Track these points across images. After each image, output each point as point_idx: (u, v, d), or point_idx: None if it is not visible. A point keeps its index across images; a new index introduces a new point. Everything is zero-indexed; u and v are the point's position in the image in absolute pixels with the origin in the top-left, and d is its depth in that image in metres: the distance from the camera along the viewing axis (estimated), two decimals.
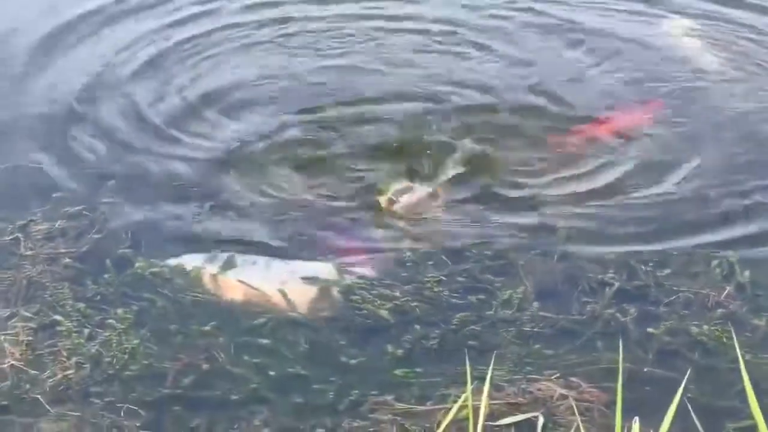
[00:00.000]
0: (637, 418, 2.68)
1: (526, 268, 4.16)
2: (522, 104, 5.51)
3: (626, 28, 6.38)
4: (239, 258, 4.21)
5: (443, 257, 4.23)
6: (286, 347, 3.80)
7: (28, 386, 3.59)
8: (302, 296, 4.03)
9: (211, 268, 4.14)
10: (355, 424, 3.46)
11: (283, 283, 4.07)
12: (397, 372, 3.67)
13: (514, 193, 4.71)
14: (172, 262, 4.20)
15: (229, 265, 4.16)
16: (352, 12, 6.56)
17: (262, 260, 4.23)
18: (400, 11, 6.60)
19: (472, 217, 4.53)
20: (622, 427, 2.59)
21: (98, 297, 4.03)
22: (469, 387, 2.68)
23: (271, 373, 3.68)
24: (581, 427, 3.00)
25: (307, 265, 4.21)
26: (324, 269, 4.17)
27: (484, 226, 4.46)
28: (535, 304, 3.97)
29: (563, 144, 5.20)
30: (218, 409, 3.53)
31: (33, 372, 3.65)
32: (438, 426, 3.35)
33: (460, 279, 4.11)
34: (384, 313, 3.94)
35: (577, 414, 3.22)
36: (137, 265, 4.17)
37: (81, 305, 3.96)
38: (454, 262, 4.21)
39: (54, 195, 4.63)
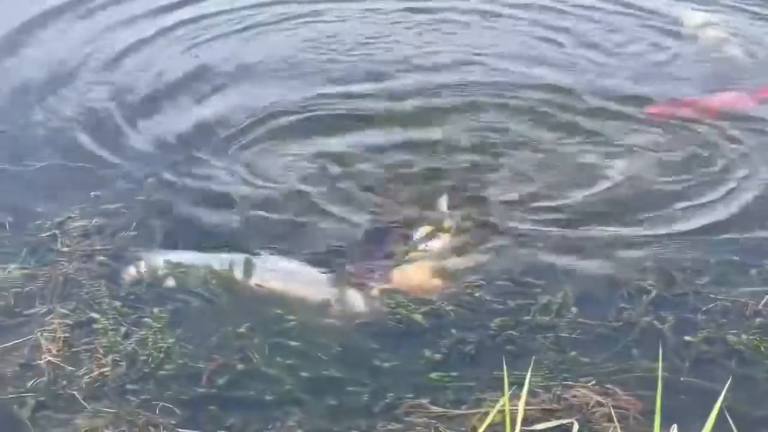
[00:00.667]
0: (675, 426, 2.66)
1: (566, 273, 4.16)
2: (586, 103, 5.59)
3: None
4: (259, 259, 4.20)
5: (481, 264, 4.25)
6: (320, 349, 3.79)
7: (64, 382, 3.61)
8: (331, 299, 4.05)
9: (234, 269, 4.14)
10: (390, 427, 3.46)
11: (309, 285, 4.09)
12: (433, 375, 3.66)
13: (552, 198, 4.71)
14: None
15: (249, 266, 4.15)
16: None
17: (291, 264, 4.23)
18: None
19: (510, 223, 4.52)
20: None
21: (133, 295, 4.05)
22: (507, 392, 2.66)
23: (305, 374, 3.67)
24: None
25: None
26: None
27: (522, 232, 4.45)
28: (574, 310, 3.95)
29: (665, 115, 5.30)
30: (253, 409, 3.53)
31: (70, 368, 3.67)
32: (473, 430, 3.34)
33: (499, 283, 4.11)
34: (418, 317, 3.93)
35: (615, 421, 3.20)
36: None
37: (117, 303, 3.98)
38: (494, 268, 4.22)
39: (92, 193, 4.67)
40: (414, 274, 4.17)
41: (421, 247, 4.33)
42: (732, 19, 6.59)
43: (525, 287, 4.09)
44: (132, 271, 4.15)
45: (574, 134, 5.29)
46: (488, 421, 2.73)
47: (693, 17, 6.53)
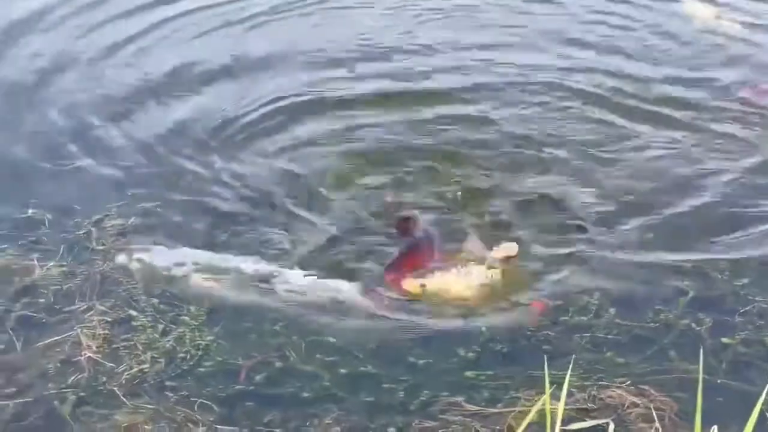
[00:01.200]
0: (715, 428, 2.66)
1: (602, 275, 4.17)
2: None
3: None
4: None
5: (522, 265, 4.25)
6: (356, 347, 3.81)
7: (104, 379, 3.65)
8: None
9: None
10: (426, 424, 3.47)
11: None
12: (468, 373, 3.68)
13: (589, 199, 4.71)
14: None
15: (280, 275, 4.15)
16: None
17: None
18: None
19: (547, 224, 4.53)
20: None
21: (169, 293, 4.08)
22: (548, 391, 2.68)
23: (342, 371, 3.70)
24: None
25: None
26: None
27: (561, 233, 4.46)
28: (612, 311, 3.95)
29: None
30: (290, 406, 3.56)
31: (109, 365, 3.71)
32: (509, 429, 3.36)
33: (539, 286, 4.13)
34: (451, 314, 3.95)
35: (656, 421, 3.20)
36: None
37: (155, 300, 4.02)
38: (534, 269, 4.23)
39: (129, 191, 4.72)
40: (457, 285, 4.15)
41: (492, 264, 4.19)
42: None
43: (563, 287, 4.09)
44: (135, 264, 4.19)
45: (619, 131, 5.34)
46: (528, 419, 2.75)
47: (697, 9, 6.54)
